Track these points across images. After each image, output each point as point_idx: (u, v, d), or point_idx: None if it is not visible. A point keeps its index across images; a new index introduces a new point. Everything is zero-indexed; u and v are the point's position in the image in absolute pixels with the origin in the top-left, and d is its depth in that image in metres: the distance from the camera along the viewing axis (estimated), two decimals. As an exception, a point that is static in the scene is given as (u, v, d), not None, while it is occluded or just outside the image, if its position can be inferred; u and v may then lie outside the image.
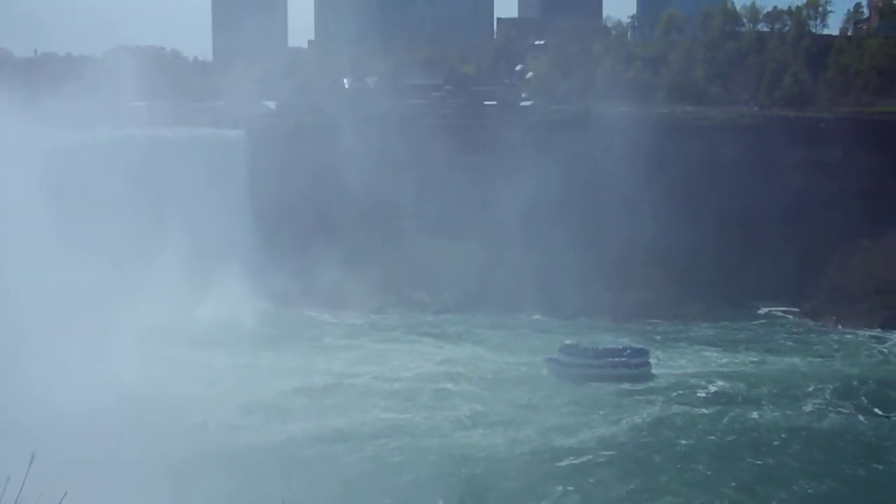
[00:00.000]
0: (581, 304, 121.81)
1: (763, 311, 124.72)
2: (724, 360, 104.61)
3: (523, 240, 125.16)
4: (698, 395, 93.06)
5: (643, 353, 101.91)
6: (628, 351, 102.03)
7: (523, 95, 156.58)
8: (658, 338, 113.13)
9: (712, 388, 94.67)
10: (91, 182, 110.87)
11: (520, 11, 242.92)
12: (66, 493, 9.45)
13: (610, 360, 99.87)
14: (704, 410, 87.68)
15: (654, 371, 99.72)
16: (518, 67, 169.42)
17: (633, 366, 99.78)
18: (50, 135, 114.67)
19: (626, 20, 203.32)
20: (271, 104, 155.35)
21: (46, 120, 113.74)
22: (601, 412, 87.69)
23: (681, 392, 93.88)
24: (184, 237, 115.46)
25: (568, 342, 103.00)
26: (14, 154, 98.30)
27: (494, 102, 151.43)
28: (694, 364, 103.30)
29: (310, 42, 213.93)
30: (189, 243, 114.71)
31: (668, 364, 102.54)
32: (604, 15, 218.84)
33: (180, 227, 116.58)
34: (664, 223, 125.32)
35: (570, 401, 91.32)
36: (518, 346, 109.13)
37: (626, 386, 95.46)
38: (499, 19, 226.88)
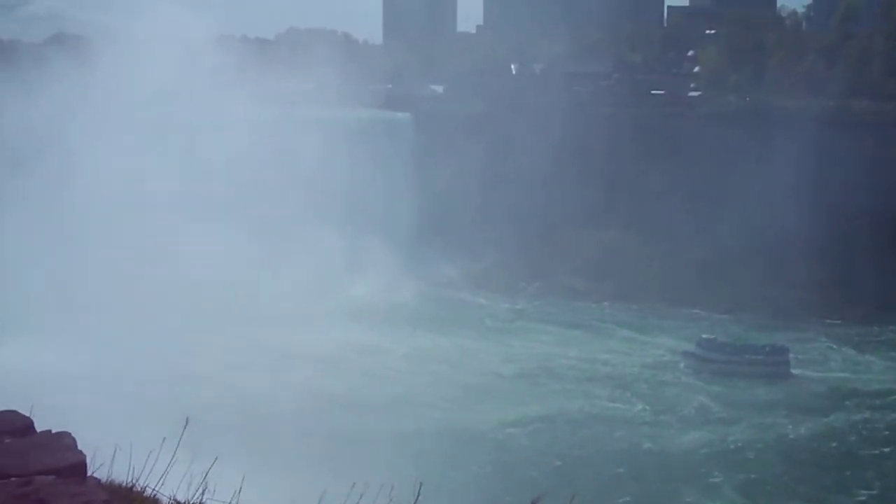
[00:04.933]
0: (741, 299, 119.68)
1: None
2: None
3: (682, 232, 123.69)
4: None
5: (783, 351, 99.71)
6: (767, 348, 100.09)
7: (692, 86, 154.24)
8: (824, 339, 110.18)
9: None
10: (258, 159, 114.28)
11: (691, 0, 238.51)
12: (216, 458, 10.19)
13: (748, 356, 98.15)
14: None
15: (793, 371, 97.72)
16: (689, 53, 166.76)
17: (772, 364, 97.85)
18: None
19: (801, 10, 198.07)
20: (438, 88, 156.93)
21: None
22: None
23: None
24: (345, 216, 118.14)
25: (705, 336, 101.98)
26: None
27: (662, 92, 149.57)
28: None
29: (478, 27, 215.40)
30: (350, 221, 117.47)
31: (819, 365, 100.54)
32: (778, 4, 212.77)
33: (342, 206, 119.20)
34: (829, 219, 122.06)
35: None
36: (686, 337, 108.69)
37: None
38: (669, 7, 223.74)
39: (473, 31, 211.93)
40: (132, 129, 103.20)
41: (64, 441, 6.33)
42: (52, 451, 6.09)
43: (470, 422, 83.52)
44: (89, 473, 9.52)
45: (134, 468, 9.36)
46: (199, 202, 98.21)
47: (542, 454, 77.75)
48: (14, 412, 6.86)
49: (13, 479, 5.66)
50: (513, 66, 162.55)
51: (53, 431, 6.58)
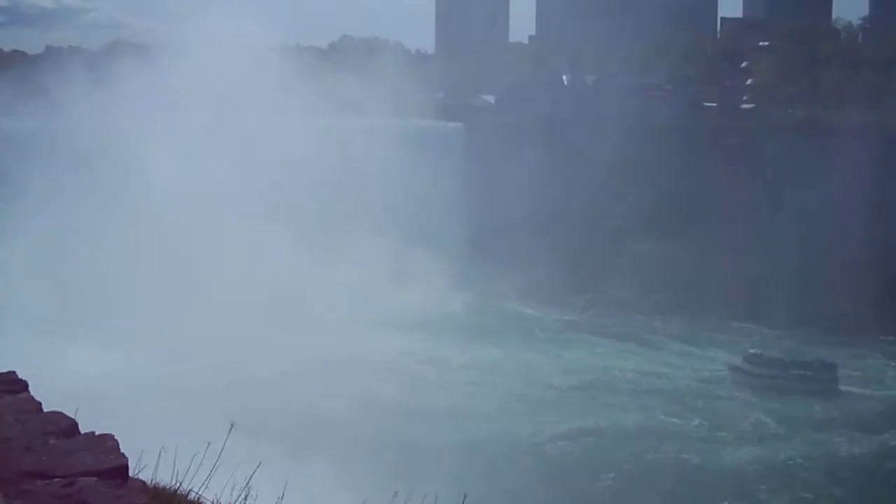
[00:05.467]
0: (795, 314, 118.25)
1: None
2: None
3: (736, 245, 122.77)
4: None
5: (831, 367, 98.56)
6: (816, 364, 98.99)
7: (744, 98, 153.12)
8: (880, 356, 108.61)
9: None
10: (310, 168, 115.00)
11: (745, 11, 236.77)
12: (259, 464, 10.17)
13: (795, 372, 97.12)
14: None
15: (841, 387, 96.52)
16: (743, 65, 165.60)
17: (820, 380, 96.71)
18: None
19: (856, 22, 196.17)
20: (490, 98, 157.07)
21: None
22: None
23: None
24: (396, 225, 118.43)
25: (752, 351, 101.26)
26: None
27: (714, 104, 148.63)
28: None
29: (530, 38, 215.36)
30: (400, 230, 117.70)
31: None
32: (833, 16, 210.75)
33: (392, 215, 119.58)
34: (887, 234, 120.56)
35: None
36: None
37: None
38: (722, 19, 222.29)
39: (526, 42, 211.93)
40: (188, 135, 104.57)
41: (107, 443, 6.37)
42: (94, 453, 6.12)
43: (523, 433, 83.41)
44: (135, 476, 9.60)
45: (178, 472, 9.42)
46: (253, 209, 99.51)
47: (596, 468, 77.43)
48: (59, 413, 6.92)
49: (56, 479, 5.71)
50: (565, 77, 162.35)
51: (97, 433, 6.63)
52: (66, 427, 6.63)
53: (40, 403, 7.25)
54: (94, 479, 5.79)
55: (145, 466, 9.17)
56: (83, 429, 6.99)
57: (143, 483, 9.13)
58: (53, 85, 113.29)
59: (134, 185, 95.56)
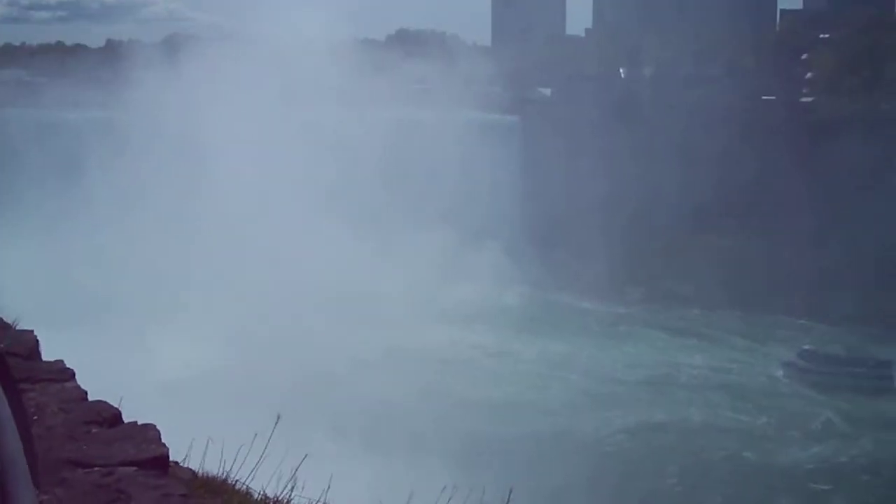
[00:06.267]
0: (859, 310, 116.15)
1: None
2: None
3: (795, 239, 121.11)
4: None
5: (887, 364, 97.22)
6: (871, 361, 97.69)
7: (804, 91, 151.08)
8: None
9: None
10: (367, 160, 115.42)
11: (805, 3, 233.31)
12: (306, 455, 10.13)
13: (850, 369, 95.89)
14: None
15: None
16: (803, 57, 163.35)
17: (875, 377, 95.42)
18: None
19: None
20: (546, 91, 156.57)
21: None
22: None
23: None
24: (452, 217, 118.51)
25: (807, 347, 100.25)
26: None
27: (773, 97, 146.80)
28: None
29: (587, 30, 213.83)
30: (457, 223, 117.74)
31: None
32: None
33: (449, 207, 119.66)
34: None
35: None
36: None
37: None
38: (782, 11, 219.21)
39: (582, 35, 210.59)
40: (252, 127, 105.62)
41: (148, 433, 6.39)
42: (136, 443, 6.14)
43: (588, 428, 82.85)
44: (186, 465, 9.66)
45: (229, 461, 9.45)
46: (316, 200, 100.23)
47: (659, 464, 76.50)
48: (103, 402, 6.96)
49: (96, 468, 5.74)
50: (622, 70, 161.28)
51: (139, 423, 6.66)
52: (109, 416, 6.67)
53: (86, 392, 7.30)
54: (134, 468, 5.81)
55: (184, 456, 9.21)
56: (144, 419, 7.04)
57: (192, 472, 9.22)
58: (115, 78, 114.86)
59: (204, 178, 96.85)
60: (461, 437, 70.96)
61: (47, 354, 9.37)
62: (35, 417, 6.48)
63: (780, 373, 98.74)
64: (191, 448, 10.11)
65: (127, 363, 61.54)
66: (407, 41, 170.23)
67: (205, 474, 9.56)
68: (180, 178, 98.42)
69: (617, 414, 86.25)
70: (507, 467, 61.29)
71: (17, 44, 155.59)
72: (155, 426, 6.60)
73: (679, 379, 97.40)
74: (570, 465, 71.27)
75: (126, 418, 7.08)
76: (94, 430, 6.39)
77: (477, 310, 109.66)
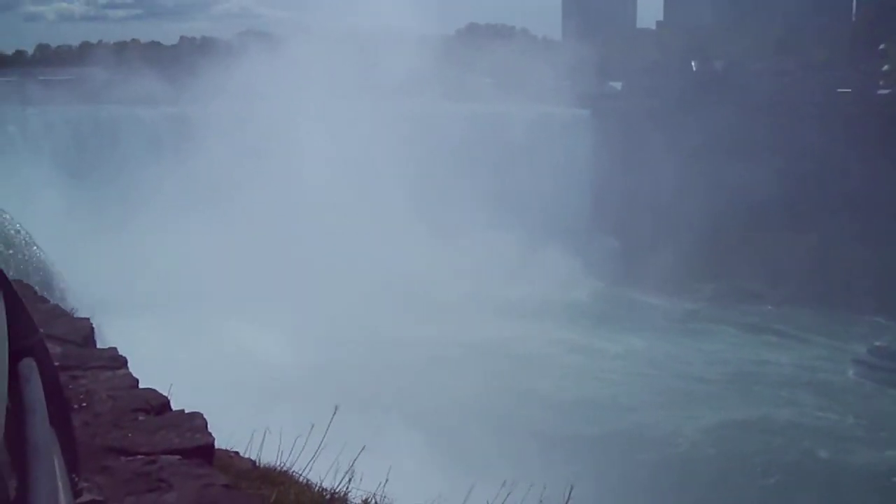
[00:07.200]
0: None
1: None
2: None
3: (870, 236, 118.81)
4: None
5: None
6: None
7: (881, 83, 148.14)
8: None
9: None
10: (440, 155, 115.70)
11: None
12: (364, 447, 10.02)
13: None
14: None
15: None
16: (881, 47, 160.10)
17: None
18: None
19: None
20: (617, 85, 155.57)
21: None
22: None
23: None
24: (521, 211, 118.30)
25: (878, 343, 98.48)
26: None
27: (849, 90, 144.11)
28: None
29: (657, 23, 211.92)
30: (526, 217, 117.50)
31: None
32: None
33: (517, 201, 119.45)
34: None
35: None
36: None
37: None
38: (858, 1, 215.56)
39: (653, 28, 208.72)
40: (325, 125, 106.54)
41: (195, 422, 6.31)
42: (181, 431, 6.07)
43: (667, 427, 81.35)
44: (245, 455, 9.63)
45: (285, 452, 9.42)
46: (390, 196, 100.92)
47: (742, 466, 74.90)
48: (153, 390, 6.91)
49: (139, 456, 5.66)
50: (693, 63, 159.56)
51: (186, 411, 6.59)
52: (157, 405, 6.61)
53: (137, 380, 7.26)
54: (178, 457, 5.72)
55: (242, 447, 9.20)
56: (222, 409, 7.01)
57: (252, 462, 9.21)
58: (189, 75, 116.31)
59: (285, 174, 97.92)
60: (520, 435, 70.07)
61: (120, 342, 9.41)
62: (84, 404, 6.44)
63: (850, 371, 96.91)
64: (251, 439, 10.09)
65: (218, 351, 62.57)
66: (477, 35, 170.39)
67: (265, 464, 9.57)
68: (260, 172, 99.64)
69: (702, 412, 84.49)
70: (592, 465, 60.84)
71: (95, 42, 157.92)
72: (202, 415, 6.52)
73: (763, 377, 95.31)
74: (633, 465, 70.31)
75: (208, 409, 7.05)
76: (140, 418, 6.33)
77: (548, 306, 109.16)
